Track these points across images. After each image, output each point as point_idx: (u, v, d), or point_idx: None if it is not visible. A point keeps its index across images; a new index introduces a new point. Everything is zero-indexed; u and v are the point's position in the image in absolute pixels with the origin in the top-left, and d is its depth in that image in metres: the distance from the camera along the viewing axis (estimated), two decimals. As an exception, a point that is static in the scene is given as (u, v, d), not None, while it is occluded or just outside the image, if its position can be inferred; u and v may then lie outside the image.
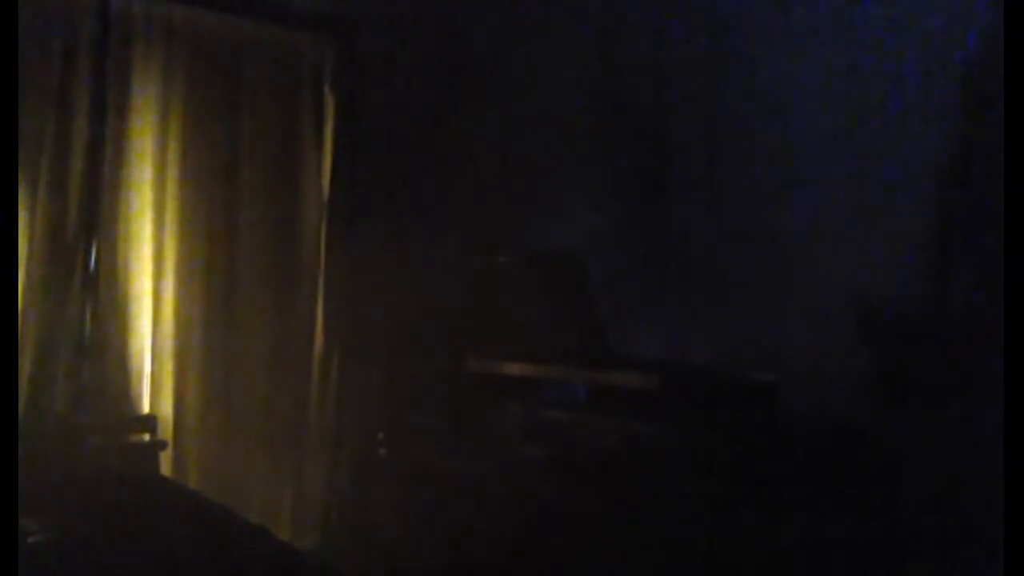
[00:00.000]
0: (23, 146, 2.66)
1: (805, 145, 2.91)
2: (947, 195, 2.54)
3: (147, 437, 2.84)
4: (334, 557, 3.11)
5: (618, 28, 3.57)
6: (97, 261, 2.83)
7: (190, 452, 2.99)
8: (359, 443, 3.28)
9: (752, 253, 3.10)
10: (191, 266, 3.02)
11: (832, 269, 2.81)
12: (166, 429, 2.93)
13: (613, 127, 3.63)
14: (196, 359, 3.02)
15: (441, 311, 3.39)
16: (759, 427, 2.38)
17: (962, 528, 2.22)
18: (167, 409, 2.96)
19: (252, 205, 3.15)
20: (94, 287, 2.82)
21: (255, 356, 3.14)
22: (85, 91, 2.80)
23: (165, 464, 2.87)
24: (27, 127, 2.68)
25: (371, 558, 3.08)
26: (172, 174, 2.99)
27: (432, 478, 2.98)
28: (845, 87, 2.83)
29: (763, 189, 3.08)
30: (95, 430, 2.77)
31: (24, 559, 1.68)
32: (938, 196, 2.56)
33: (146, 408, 2.93)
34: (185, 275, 3.01)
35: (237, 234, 3.12)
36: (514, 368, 2.99)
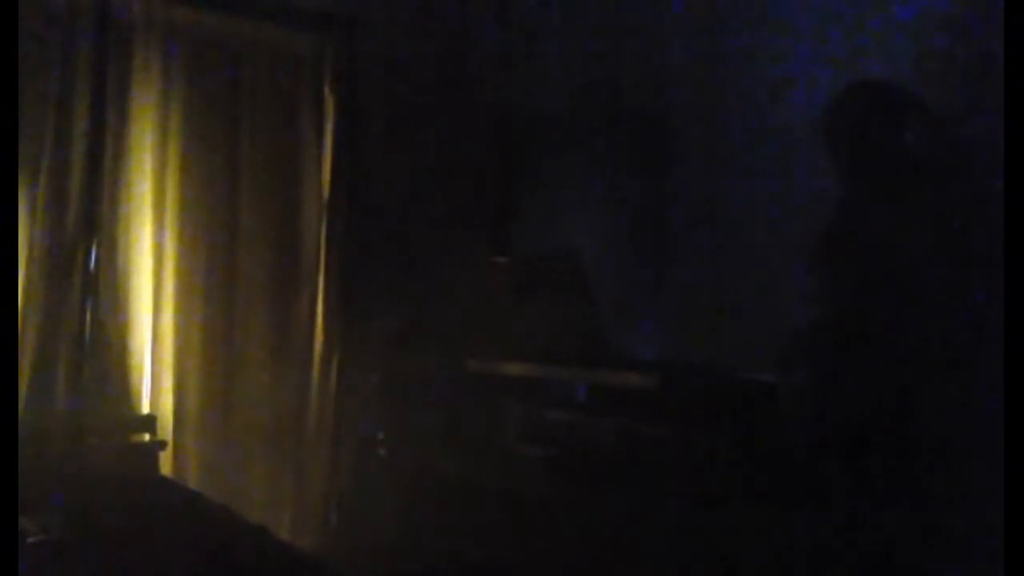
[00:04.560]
0: (23, 146, 2.66)
1: (806, 145, 2.91)
2: (947, 194, 2.54)
3: (147, 437, 2.85)
4: (334, 557, 3.11)
5: (618, 27, 3.57)
6: (97, 261, 2.83)
7: (190, 452, 2.99)
8: (359, 443, 3.28)
9: (753, 253, 3.10)
10: (191, 266, 3.02)
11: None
12: (166, 429, 2.93)
13: (613, 127, 3.63)
14: (196, 359, 3.02)
15: (441, 311, 3.39)
16: (759, 427, 2.38)
17: (962, 528, 2.22)
18: (167, 409, 2.96)
19: (252, 205, 3.15)
20: (94, 287, 2.82)
21: (255, 356, 3.14)
22: (85, 91, 2.80)
23: (165, 464, 2.87)
24: (27, 127, 2.68)
25: (371, 558, 3.08)
26: (172, 174, 2.99)
27: (432, 478, 2.98)
28: (847, 87, 2.82)
29: (764, 189, 3.08)
30: (95, 430, 2.77)
31: (24, 559, 1.68)
32: (938, 195, 2.56)
33: (146, 408, 2.93)
34: (185, 275, 3.01)
35: (237, 234, 3.12)
36: (514, 368, 2.99)
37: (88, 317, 2.81)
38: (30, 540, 1.92)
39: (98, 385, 2.82)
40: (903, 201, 2.51)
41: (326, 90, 3.32)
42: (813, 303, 2.71)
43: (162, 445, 2.86)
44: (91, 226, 2.82)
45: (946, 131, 2.48)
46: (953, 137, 2.46)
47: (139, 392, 2.92)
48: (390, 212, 3.45)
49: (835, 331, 2.59)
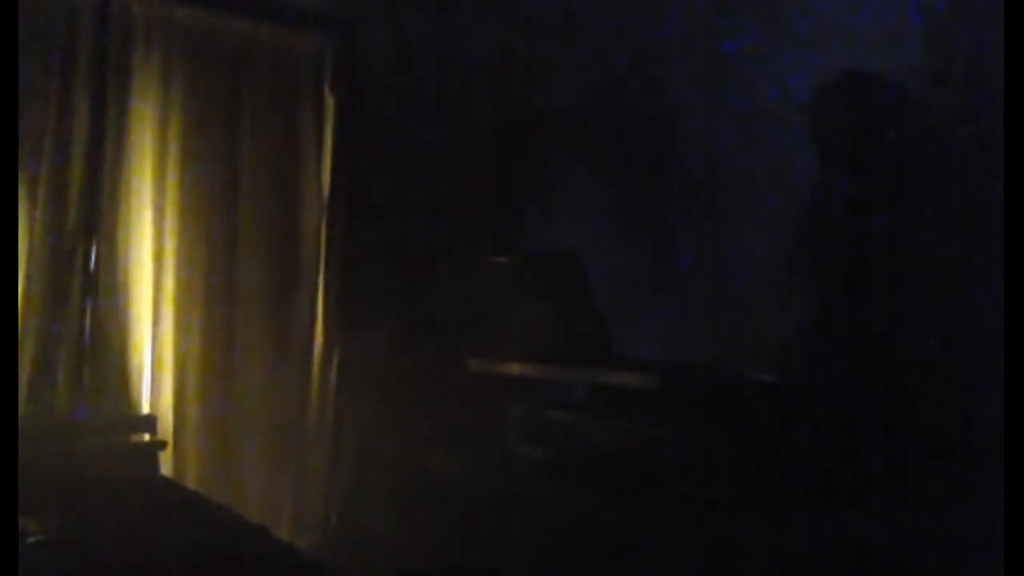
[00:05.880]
0: (23, 146, 2.66)
1: (807, 144, 2.91)
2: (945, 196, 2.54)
3: (147, 437, 2.85)
4: (334, 557, 3.11)
5: (618, 28, 3.57)
6: (97, 261, 2.83)
7: (190, 452, 3.00)
8: (359, 443, 3.29)
9: (753, 252, 3.10)
10: (191, 266, 3.02)
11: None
12: (166, 429, 2.93)
13: (613, 127, 3.63)
14: (196, 359, 3.02)
15: (441, 311, 3.39)
16: (759, 427, 2.38)
17: (963, 528, 2.22)
18: (167, 409, 2.96)
19: (252, 205, 3.15)
20: (94, 287, 2.82)
21: (255, 356, 3.14)
22: (85, 91, 2.81)
23: (165, 464, 2.87)
24: (27, 127, 2.68)
25: (371, 558, 3.08)
26: (172, 174, 3.00)
27: (432, 478, 2.98)
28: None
29: (764, 189, 3.08)
30: (95, 430, 2.77)
31: (24, 559, 1.68)
32: (937, 198, 2.56)
33: (146, 408, 2.93)
34: (185, 275, 3.01)
35: (237, 234, 3.12)
36: (514, 368, 2.99)
37: (88, 317, 2.81)
38: (30, 540, 1.92)
39: (98, 385, 2.82)
40: (896, 196, 2.51)
41: (326, 90, 3.32)
42: (812, 302, 2.71)
43: (162, 445, 2.86)
44: (91, 226, 2.82)
45: (939, 128, 2.48)
46: (948, 135, 2.46)
47: (139, 392, 2.92)
48: (390, 212, 3.45)
49: (835, 330, 2.59)
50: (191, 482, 2.93)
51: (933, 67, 2.50)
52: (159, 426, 2.88)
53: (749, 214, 3.13)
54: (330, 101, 3.32)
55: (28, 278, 2.70)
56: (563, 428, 2.76)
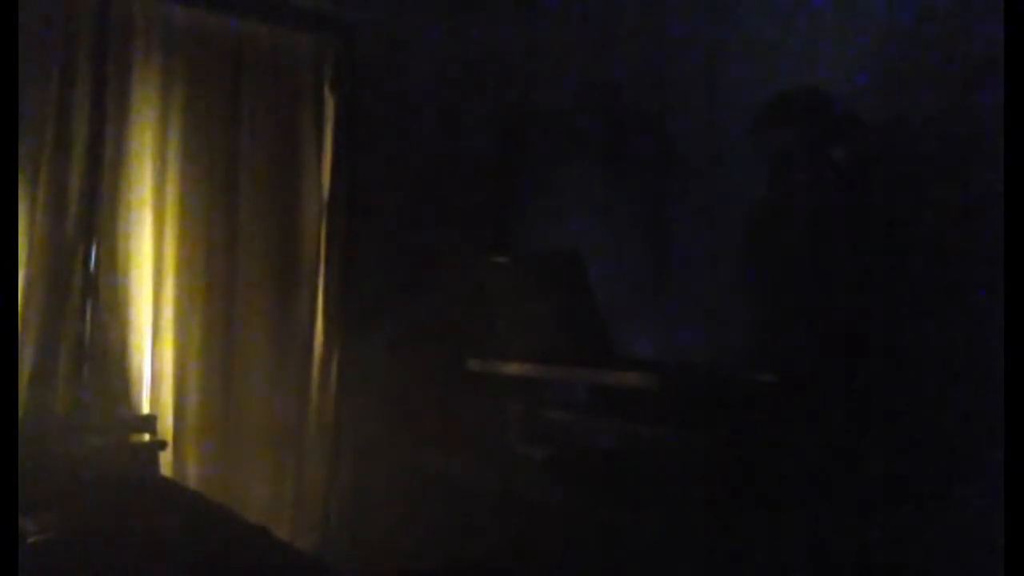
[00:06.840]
0: (23, 146, 2.66)
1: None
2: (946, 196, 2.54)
3: (147, 437, 2.85)
4: (334, 557, 3.11)
5: (619, 27, 3.57)
6: (97, 261, 2.84)
7: (190, 452, 3.00)
8: (359, 443, 3.29)
9: (753, 252, 3.10)
10: (191, 266, 3.02)
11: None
12: (166, 429, 2.93)
13: (613, 127, 3.63)
14: (196, 359, 3.02)
15: (441, 311, 3.39)
16: (759, 427, 2.38)
17: (963, 528, 2.22)
18: (167, 409, 2.96)
19: (252, 205, 3.15)
20: (94, 287, 2.82)
21: (255, 356, 3.15)
22: (85, 91, 2.81)
23: (165, 464, 2.87)
24: (27, 127, 2.68)
25: (371, 558, 3.08)
26: (172, 174, 3.00)
27: (431, 478, 2.98)
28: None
29: (765, 188, 3.07)
30: (95, 430, 2.77)
31: (24, 559, 1.69)
32: (937, 198, 2.57)
33: (146, 408, 2.93)
34: (185, 275, 3.01)
35: (237, 234, 3.12)
36: (514, 368, 2.99)
37: (88, 317, 2.81)
38: (30, 540, 1.92)
39: (98, 385, 2.82)
40: (896, 197, 2.52)
41: (326, 90, 3.32)
42: (812, 302, 2.71)
43: (162, 445, 2.86)
44: (91, 226, 2.82)
45: (939, 128, 2.49)
46: (948, 135, 2.47)
47: (139, 392, 2.92)
48: (390, 212, 3.45)
49: (835, 330, 2.60)
50: (191, 482, 2.94)
51: (933, 67, 2.51)
52: (159, 426, 2.88)
53: (750, 213, 3.12)
54: (330, 101, 3.32)
55: (28, 279, 2.70)
56: (563, 428, 2.76)
